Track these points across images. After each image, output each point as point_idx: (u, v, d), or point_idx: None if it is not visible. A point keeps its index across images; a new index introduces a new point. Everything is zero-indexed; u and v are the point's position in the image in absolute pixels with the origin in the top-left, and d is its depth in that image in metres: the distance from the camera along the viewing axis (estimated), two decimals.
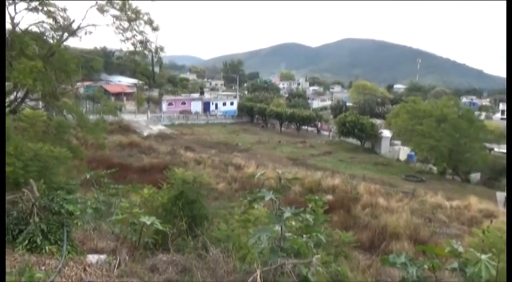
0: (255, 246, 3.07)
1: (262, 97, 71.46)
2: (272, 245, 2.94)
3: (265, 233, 2.91)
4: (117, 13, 15.13)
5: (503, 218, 14.20)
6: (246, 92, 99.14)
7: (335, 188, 16.92)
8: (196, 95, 72.05)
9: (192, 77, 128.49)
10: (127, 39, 15.74)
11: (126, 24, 15.43)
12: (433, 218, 14.52)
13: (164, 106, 59.32)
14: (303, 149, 39.60)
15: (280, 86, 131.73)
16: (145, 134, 36.72)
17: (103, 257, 3.19)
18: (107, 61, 50.49)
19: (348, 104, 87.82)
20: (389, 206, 14.83)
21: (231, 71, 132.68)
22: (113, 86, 61.07)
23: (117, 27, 15.34)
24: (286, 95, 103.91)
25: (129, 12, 15.20)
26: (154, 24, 15.71)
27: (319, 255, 2.88)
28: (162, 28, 16.43)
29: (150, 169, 16.77)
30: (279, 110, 55.68)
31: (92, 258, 3.16)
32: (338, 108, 77.43)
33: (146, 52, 16.91)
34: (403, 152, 41.16)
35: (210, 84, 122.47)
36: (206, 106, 64.35)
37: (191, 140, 37.81)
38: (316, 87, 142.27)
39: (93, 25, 14.84)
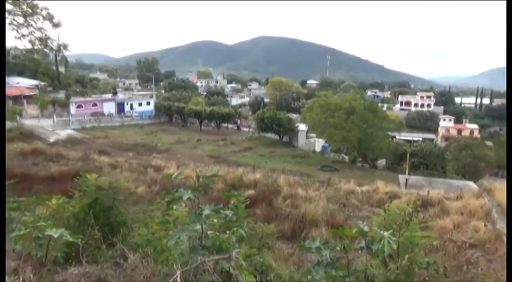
0: (175, 247, 3.01)
1: (180, 96, 70.11)
2: (193, 244, 2.90)
3: (185, 232, 2.87)
4: (10, 7, 13.60)
5: (405, 198, 15.83)
6: (162, 91, 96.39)
7: (257, 183, 17.23)
8: (109, 96, 67.97)
9: (103, 76, 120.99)
10: (23, 36, 14.28)
11: (21, 19, 13.96)
12: (347, 203, 15.59)
13: (73, 109, 54.98)
14: (224, 146, 39.79)
15: (198, 84, 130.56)
16: (51, 140, 33.59)
17: None
18: None
19: (265, 100, 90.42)
20: (308, 195, 15.55)
21: (146, 70, 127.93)
22: (10, 88, 54.74)
23: (10, 23, 13.80)
24: (205, 93, 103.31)
25: (24, 7, 13.77)
26: (55, 20, 14.47)
27: (239, 249, 2.92)
28: (66, 25, 15.19)
29: (59, 178, 15.35)
30: (198, 108, 55.16)
31: None
32: (256, 105, 79.37)
33: (47, 50, 15.49)
34: (318, 144, 43.71)
35: (124, 83, 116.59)
36: (120, 107, 61.13)
37: (105, 143, 35.63)
38: (234, 85, 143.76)
39: None
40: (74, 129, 44.92)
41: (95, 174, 6.41)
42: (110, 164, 20.88)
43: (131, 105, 62.49)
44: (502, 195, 14.45)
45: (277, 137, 45.61)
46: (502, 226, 12.46)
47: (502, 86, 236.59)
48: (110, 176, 10.79)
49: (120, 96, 71.26)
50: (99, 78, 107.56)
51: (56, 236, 3.17)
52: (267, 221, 10.56)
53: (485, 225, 8.89)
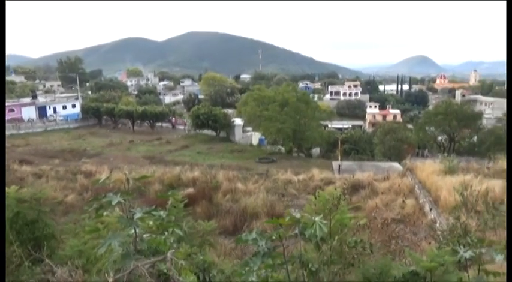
0: (109, 255, 2.88)
1: (108, 96, 66.54)
2: (126, 249, 2.79)
3: (117, 238, 2.75)
4: None
5: (339, 183, 16.70)
6: (89, 92, 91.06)
7: (195, 180, 17.11)
8: (28, 100, 62.56)
9: (19, 79, 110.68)
10: None
11: None
12: (286, 193, 16.12)
13: None
14: (160, 146, 38.73)
15: (128, 83, 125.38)
16: None
17: None
18: None
19: (199, 96, 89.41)
20: (247, 188, 15.81)
21: (69, 70, 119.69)
22: None
23: None
24: (136, 92, 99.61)
25: None
26: None
27: (174, 249, 2.87)
28: None
29: None
30: (129, 108, 52.85)
31: None
32: (191, 102, 78.17)
33: None
34: (255, 137, 44.30)
35: (44, 86, 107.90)
36: (42, 111, 56.60)
37: (27, 151, 32.83)
38: (166, 82, 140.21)
39: None
40: None
41: (15, 186, 5.92)
42: (33, 174, 19.35)
43: (54, 109, 58.13)
44: (423, 173, 15.87)
45: (214, 133, 45.38)
46: (423, 200, 13.71)
47: (418, 73, 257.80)
48: (34, 187, 9.99)
49: (41, 99, 65.99)
50: (15, 81, 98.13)
51: None
52: (208, 217, 10.53)
53: (403, 201, 9.73)
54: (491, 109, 76.30)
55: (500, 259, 2.57)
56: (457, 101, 62.59)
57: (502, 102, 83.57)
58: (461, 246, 2.77)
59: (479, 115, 43.82)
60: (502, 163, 15.22)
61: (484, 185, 10.36)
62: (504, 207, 7.41)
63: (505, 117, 40.41)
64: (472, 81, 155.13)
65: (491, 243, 3.04)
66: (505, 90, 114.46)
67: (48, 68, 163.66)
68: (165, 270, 2.73)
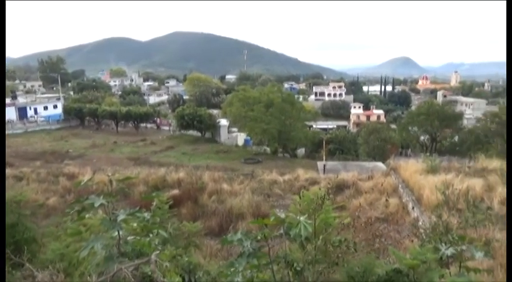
0: (91, 258, 2.83)
1: (91, 97, 65.55)
2: (109, 252, 2.75)
3: (99, 241, 2.71)
4: None
5: (324, 183, 16.81)
6: (71, 93, 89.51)
7: (181, 181, 17.00)
8: (8, 100, 61.08)
9: None
10: None
11: None
12: (271, 193, 16.16)
13: None
14: (144, 147, 38.32)
15: (112, 83, 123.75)
16: None
17: None
18: None
19: (184, 97, 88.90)
20: (233, 189, 15.78)
21: (50, 70, 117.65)
22: None
23: None
24: (120, 93, 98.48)
25: None
26: None
27: (158, 251, 2.84)
28: None
29: None
30: (113, 109, 52.08)
31: None
32: (175, 102, 77.71)
33: None
34: (241, 138, 44.25)
35: (25, 86, 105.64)
36: (22, 112, 55.33)
37: (7, 153, 32.03)
38: (151, 83, 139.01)
39: None
40: None
41: None
42: (13, 176, 18.89)
43: (35, 110, 56.92)
44: (406, 172, 16.12)
45: (199, 134, 45.13)
46: (407, 199, 13.92)
47: (401, 74, 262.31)
48: (14, 190, 9.77)
49: (21, 100, 64.57)
50: None
51: None
52: (194, 219, 10.49)
53: (387, 200, 9.86)
54: (472, 109, 78.10)
55: (480, 256, 2.63)
56: (438, 102, 63.86)
57: (482, 103, 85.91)
58: (443, 244, 2.83)
59: (460, 115, 44.90)
60: (482, 162, 15.58)
61: (465, 184, 10.58)
62: (484, 206, 7.60)
63: (485, 118, 41.42)
64: (453, 82, 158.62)
65: (472, 240, 3.11)
66: (483, 91, 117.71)
67: (29, 68, 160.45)
68: (149, 273, 2.71)
